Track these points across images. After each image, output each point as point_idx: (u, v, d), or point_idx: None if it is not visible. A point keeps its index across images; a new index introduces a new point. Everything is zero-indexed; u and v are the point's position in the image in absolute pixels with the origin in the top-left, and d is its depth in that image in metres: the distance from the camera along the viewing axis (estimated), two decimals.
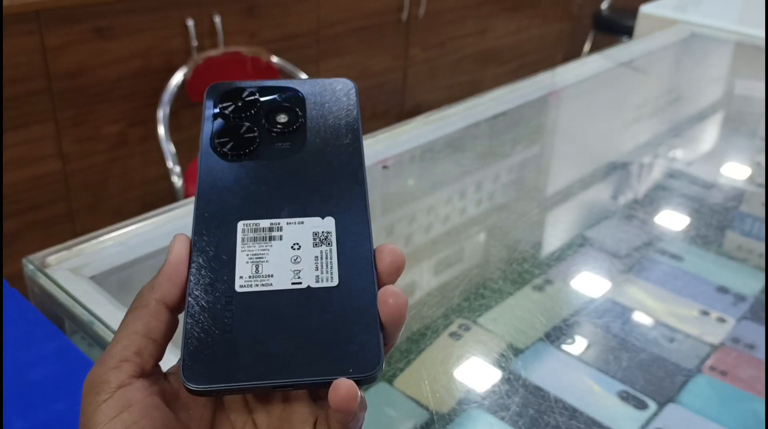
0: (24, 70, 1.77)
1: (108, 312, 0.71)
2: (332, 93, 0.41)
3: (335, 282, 0.34)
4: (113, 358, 0.32)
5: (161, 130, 1.94)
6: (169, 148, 1.94)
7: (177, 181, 1.91)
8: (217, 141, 0.38)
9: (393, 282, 0.35)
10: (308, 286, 0.34)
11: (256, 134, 0.39)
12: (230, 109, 0.40)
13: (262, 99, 0.40)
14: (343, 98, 0.41)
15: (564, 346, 0.83)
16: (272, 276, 0.34)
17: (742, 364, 0.83)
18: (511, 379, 0.77)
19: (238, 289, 0.34)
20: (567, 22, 3.36)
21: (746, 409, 0.78)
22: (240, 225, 0.35)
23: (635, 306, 0.91)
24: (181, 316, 0.34)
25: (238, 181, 0.37)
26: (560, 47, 3.39)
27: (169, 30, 2.00)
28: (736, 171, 1.33)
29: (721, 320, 0.90)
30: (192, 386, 0.31)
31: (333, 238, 0.35)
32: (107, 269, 0.80)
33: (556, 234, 1.12)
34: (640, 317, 0.90)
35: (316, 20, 2.35)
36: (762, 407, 0.77)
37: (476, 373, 0.79)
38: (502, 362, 0.80)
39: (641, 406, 0.76)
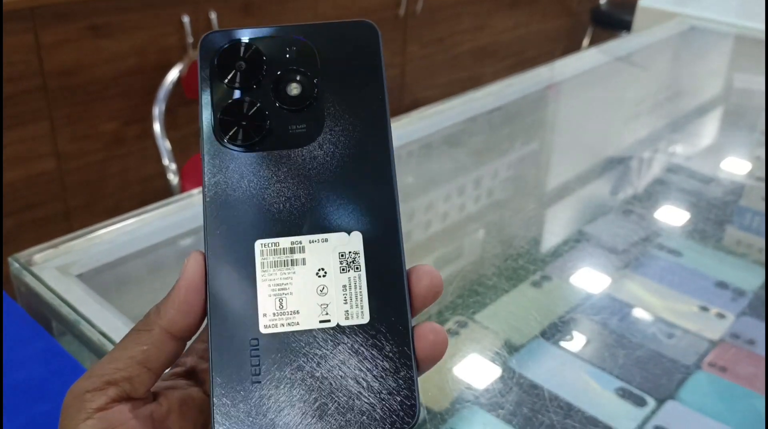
0: (19, 69, 1.76)
1: (95, 311, 0.70)
2: (351, 46, 0.34)
3: (366, 318, 0.31)
4: (100, 377, 0.31)
5: (157, 127, 1.93)
6: (165, 146, 1.93)
7: (173, 178, 1.90)
8: (220, 127, 0.33)
9: (427, 306, 0.32)
10: (337, 324, 0.31)
11: (266, 115, 0.33)
12: (231, 76, 0.33)
13: (268, 59, 0.34)
14: (366, 53, 0.34)
15: (562, 343, 0.82)
16: (298, 312, 0.31)
17: (741, 360, 0.82)
18: (508, 376, 0.76)
19: (262, 330, 0.31)
20: (565, 18, 3.35)
21: (746, 405, 0.77)
22: (258, 246, 0.32)
23: (634, 302, 0.90)
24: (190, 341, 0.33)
25: (250, 184, 0.32)
26: (559, 43, 3.38)
27: (164, 27, 1.99)
28: (736, 165, 1.32)
29: (721, 316, 0.89)
30: None
31: (361, 261, 0.32)
32: (95, 267, 0.79)
33: (553, 230, 1.11)
34: (638, 313, 0.89)
35: (313, 17, 2.34)
36: (762, 403, 0.76)
37: (473, 370, 0.78)
38: (498, 359, 0.79)
39: (640, 402, 0.75)
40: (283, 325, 0.31)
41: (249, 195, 0.32)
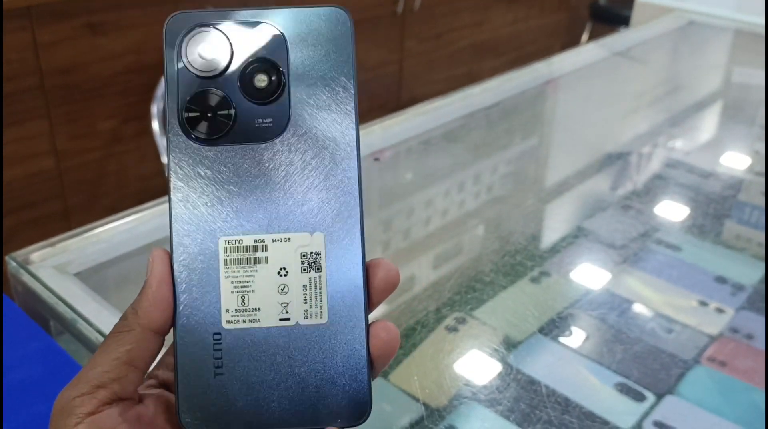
0: (16, 67, 1.76)
1: (92, 310, 0.69)
2: (321, 33, 0.33)
3: (324, 318, 0.32)
4: (89, 382, 0.31)
5: (155, 125, 1.92)
6: (163, 144, 1.92)
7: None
8: (185, 119, 0.32)
9: (384, 298, 0.33)
10: (297, 322, 0.32)
11: (232, 109, 0.32)
12: (196, 63, 0.32)
13: (235, 45, 0.33)
14: (337, 44, 0.33)
15: (561, 339, 0.82)
16: (259, 309, 0.32)
17: (741, 354, 0.82)
18: (506, 372, 0.76)
19: (225, 325, 0.32)
20: (564, 13, 3.35)
21: (746, 399, 0.77)
22: (221, 242, 0.32)
23: (633, 297, 0.90)
24: (168, 338, 0.34)
25: (214, 178, 0.32)
26: (558, 38, 3.37)
27: (162, 25, 1.98)
28: (735, 160, 1.32)
29: (720, 310, 0.89)
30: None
31: (322, 262, 0.32)
32: (92, 266, 0.79)
33: (552, 225, 1.11)
34: (637, 308, 0.89)
35: None
36: (761, 397, 0.76)
37: (472, 366, 0.78)
38: (497, 355, 0.79)
39: (639, 397, 0.75)
40: (244, 321, 0.32)
41: (213, 190, 0.33)
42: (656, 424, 0.72)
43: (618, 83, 1.65)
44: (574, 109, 1.55)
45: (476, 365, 0.78)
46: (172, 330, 0.33)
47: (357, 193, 0.33)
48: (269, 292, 0.32)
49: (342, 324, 0.32)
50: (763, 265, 0.99)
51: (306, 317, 0.32)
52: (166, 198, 0.91)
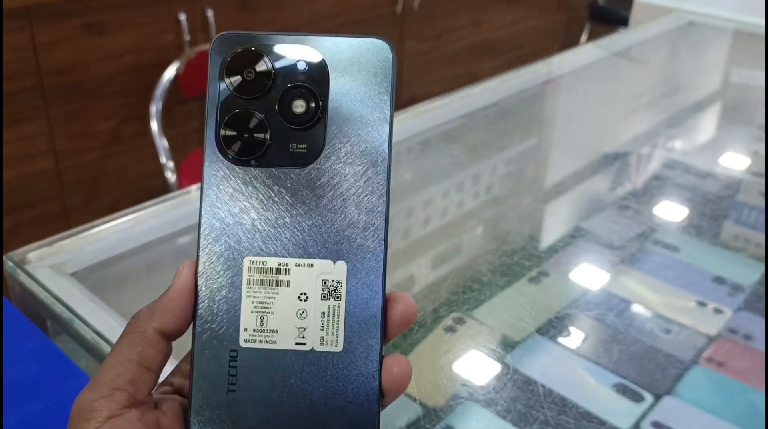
0: (15, 67, 1.76)
1: (88, 310, 0.69)
2: (363, 64, 0.33)
3: (340, 347, 0.33)
4: (106, 385, 0.31)
5: (154, 125, 1.92)
6: (162, 144, 1.92)
7: (171, 176, 1.90)
8: (222, 137, 0.33)
9: (400, 333, 0.34)
10: (312, 348, 0.33)
11: (269, 130, 0.33)
12: (238, 84, 0.33)
13: (278, 70, 0.33)
14: (377, 77, 0.33)
15: (559, 339, 0.82)
16: (276, 332, 0.33)
17: (739, 355, 0.82)
18: (504, 373, 0.76)
19: (242, 343, 0.33)
20: (563, 13, 3.35)
21: (744, 400, 0.77)
22: (246, 262, 0.33)
23: (631, 297, 0.90)
24: (176, 343, 0.34)
25: (246, 197, 0.33)
26: (557, 38, 3.37)
27: (161, 25, 1.99)
28: (733, 160, 1.32)
29: (718, 311, 0.89)
30: None
31: (343, 291, 0.33)
32: (89, 265, 0.78)
33: (550, 225, 1.11)
34: (635, 309, 0.89)
35: (310, 13, 2.33)
36: (760, 398, 0.76)
37: (469, 366, 0.78)
38: (495, 356, 0.79)
39: (637, 398, 0.75)
40: (261, 341, 0.33)
41: (243, 209, 0.33)
42: (654, 424, 0.72)
43: (617, 83, 1.65)
44: (572, 109, 1.55)
45: (474, 365, 0.78)
46: (191, 341, 0.33)
47: (383, 226, 0.33)
48: (288, 316, 0.33)
49: (356, 354, 0.33)
50: (761, 265, 0.99)
51: (321, 344, 0.33)
52: (163, 197, 0.91)
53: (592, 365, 0.79)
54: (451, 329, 0.82)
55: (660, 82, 1.72)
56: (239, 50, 0.33)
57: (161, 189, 2.00)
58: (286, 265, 0.33)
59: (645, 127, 1.46)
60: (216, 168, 0.33)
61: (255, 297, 0.33)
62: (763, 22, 1.80)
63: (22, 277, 0.75)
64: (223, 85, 0.33)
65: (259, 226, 0.33)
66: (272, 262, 0.33)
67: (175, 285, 0.33)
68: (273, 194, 0.33)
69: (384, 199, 0.33)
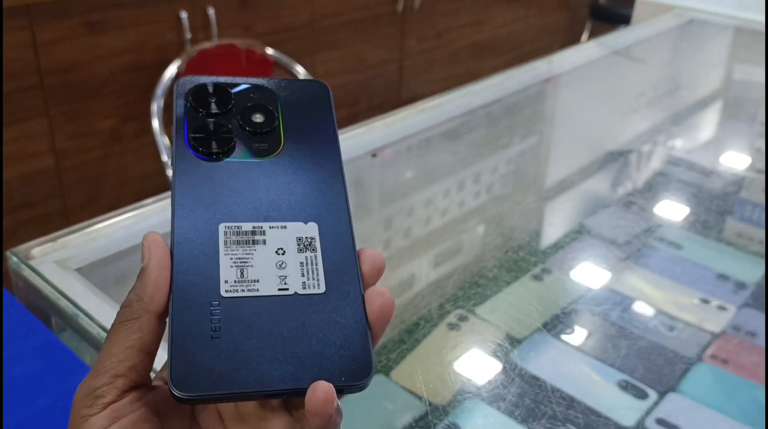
0: (15, 66, 1.75)
1: (94, 305, 0.69)
2: (307, 94, 0.40)
3: (322, 289, 0.34)
4: (107, 372, 0.32)
5: (155, 123, 1.92)
6: (163, 142, 1.92)
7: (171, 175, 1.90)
8: (193, 138, 0.37)
9: (374, 283, 0.35)
10: (295, 292, 0.34)
11: (233, 134, 0.38)
12: (203, 106, 0.38)
13: (235, 96, 0.39)
14: (319, 100, 0.40)
15: (563, 336, 0.82)
16: (258, 281, 0.33)
17: (743, 351, 0.82)
18: (509, 369, 0.76)
19: (223, 294, 0.33)
20: (564, 12, 3.35)
21: (748, 396, 0.77)
22: (222, 227, 0.35)
23: (635, 294, 0.90)
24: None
25: (217, 182, 0.36)
26: (557, 37, 3.37)
27: (162, 23, 1.99)
28: (736, 157, 1.32)
29: (722, 308, 0.88)
30: (180, 394, 0.31)
31: (317, 245, 0.35)
32: (93, 261, 0.78)
33: (554, 222, 1.11)
34: (639, 306, 0.88)
35: (311, 12, 2.33)
36: (763, 394, 0.76)
37: (474, 364, 0.78)
38: (500, 353, 0.79)
39: (641, 395, 0.75)
40: (243, 291, 0.33)
41: (216, 190, 0.36)
42: (659, 421, 0.72)
43: (618, 81, 1.65)
44: (575, 106, 1.55)
45: (479, 362, 0.78)
46: (169, 304, 0.33)
47: (343, 192, 0.37)
48: (268, 267, 0.34)
49: (339, 292, 0.34)
50: (764, 262, 0.99)
51: (304, 288, 0.34)
52: (167, 194, 0.91)
53: (597, 362, 0.79)
54: (456, 326, 0.82)
55: (662, 79, 1.72)
56: (200, 84, 0.39)
57: (162, 188, 2.00)
58: (261, 227, 0.35)
59: (647, 124, 1.46)
60: (187, 164, 0.36)
61: (233, 254, 0.34)
62: (763, 19, 1.80)
63: (27, 273, 0.74)
64: (189, 109, 0.38)
65: (232, 201, 0.35)
66: (247, 226, 0.35)
67: (151, 262, 0.33)
68: (241, 178, 0.36)
69: (340, 173, 0.38)
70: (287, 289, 0.33)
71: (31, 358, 0.65)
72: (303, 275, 0.34)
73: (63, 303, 0.70)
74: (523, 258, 0.95)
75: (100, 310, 0.68)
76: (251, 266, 0.34)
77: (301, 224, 0.35)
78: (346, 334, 0.33)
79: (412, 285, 0.92)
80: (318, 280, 0.34)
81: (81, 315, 0.69)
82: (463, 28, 2.89)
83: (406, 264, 0.96)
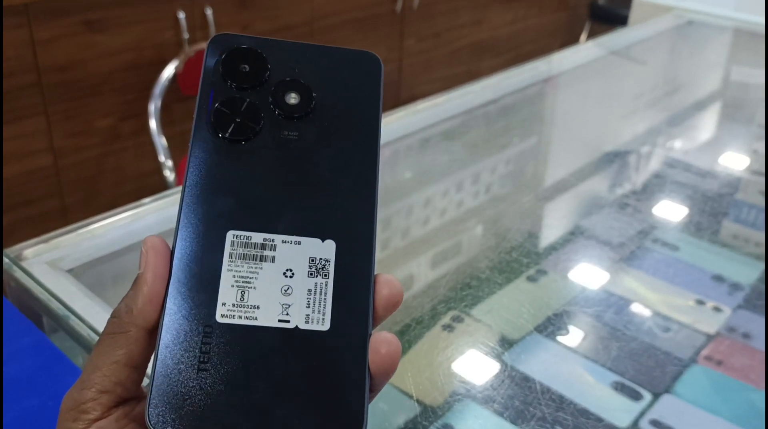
0: (13, 64, 1.75)
1: (84, 306, 0.69)
2: (355, 70, 0.35)
3: (326, 326, 0.31)
4: (93, 387, 0.30)
5: (153, 123, 1.92)
6: (161, 142, 1.92)
7: (169, 175, 1.90)
8: (215, 115, 0.33)
9: (386, 317, 0.32)
10: (296, 326, 0.30)
11: (261, 116, 0.33)
12: (234, 76, 0.34)
13: (273, 67, 0.34)
14: (366, 79, 0.35)
15: (558, 337, 0.82)
16: (258, 307, 0.30)
17: (738, 353, 0.82)
18: (504, 371, 0.76)
19: (218, 318, 0.30)
20: (563, 12, 3.34)
21: (742, 399, 0.77)
22: (230, 236, 0.31)
23: (630, 296, 0.90)
24: None
25: (234, 175, 0.32)
26: (557, 38, 3.37)
27: (160, 22, 1.98)
28: (732, 159, 1.31)
29: (717, 309, 0.88)
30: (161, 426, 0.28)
31: (331, 269, 0.31)
32: (86, 262, 0.78)
33: (549, 223, 1.10)
34: (634, 307, 0.88)
35: (310, 11, 2.33)
36: (758, 397, 0.76)
37: (469, 365, 0.77)
38: (494, 354, 0.79)
39: (636, 396, 0.74)
40: (240, 317, 0.30)
41: (230, 187, 0.32)
42: (653, 423, 0.72)
43: (617, 82, 1.65)
44: (572, 107, 1.54)
45: (472, 363, 0.78)
46: (160, 319, 0.30)
47: (372, 209, 0.33)
48: (272, 292, 0.31)
49: (344, 333, 0.30)
50: (760, 264, 0.99)
51: (307, 321, 0.31)
52: (160, 194, 0.91)
53: (591, 363, 0.79)
54: (449, 327, 0.82)
55: (660, 80, 1.72)
56: (237, 46, 0.34)
57: (160, 187, 2.00)
58: (272, 241, 0.31)
59: (645, 125, 1.45)
60: (204, 146, 0.32)
61: (237, 271, 0.31)
62: (762, 20, 1.80)
63: (18, 274, 0.74)
64: (217, 78, 0.34)
65: (246, 203, 0.32)
66: (257, 237, 0.31)
67: (146, 272, 0.31)
68: (262, 172, 0.32)
69: (374, 182, 0.33)
70: (288, 322, 0.30)
71: (23, 359, 0.65)
72: (308, 306, 0.31)
73: (54, 304, 0.70)
74: (518, 259, 0.95)
75: (91, 312, 0.68)
76: (254, 288, 0.31)
77: (317, 241, 0.32)
78: (342, 384, 0.30)
79: (407, 285, 0.92)
80: (324, 315, 0.31)
81: (72, 316, 0.68)
82: (462, 28, 2.89)
83: (401, 264, 0.96)
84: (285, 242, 0.32)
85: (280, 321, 0.30)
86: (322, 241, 0.32)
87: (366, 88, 0.35)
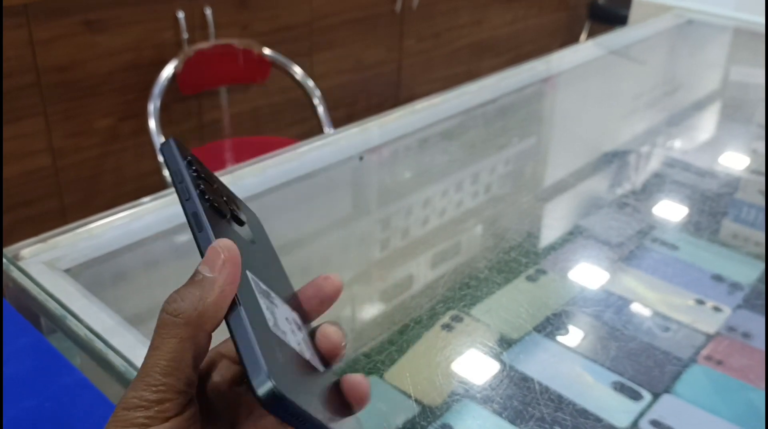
0: (12, 65, 1.75)
1: (81, 306, 0.69)
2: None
3: (321, 369, 0.34)
4: (160, 389, 0.30)
5: (152, 123, 1.92)
6: (160, 142, 1.92)
7: (168, 175, 1.89)
8: (206, 196, 0.36)
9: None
10: (308, 360, 0.34)
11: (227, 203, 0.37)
12: (200, 174, 0.37)
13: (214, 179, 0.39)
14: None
15: (558, 337, 0.82)
16: (285, 333, 0.33)
17: (737, 353, 0.82)
18: (503, 370, 0.76)
19: (272, 328, 0.32)
20: (563, 12, 3.34)
21: (742, 398, 0.76)
22: (249, 274, 0.33)
23: (629, 295, 0.90)
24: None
25: (236, 236, 0.35)
26: (556, 38, 3.37)
27: (159, 22, 1.98)
28: (732, 158, 1.31)
29: (717, 309, 0.88)
30: (281, 392, 0.28)
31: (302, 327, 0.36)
32: (83, 262, 0.78)
33: (548, 223, 1.10)
34: (634, 307, 0.88)
35: (309, 12, 2.33)
36: (758, 396, 0.76)
37: (468, 365, 0.77)
38: (493, 354, 0.78)
39: (636, 396, 0.74)
40: (280, 334, 0.33)
41: (239, 244, 0.34)
42: (653, 422, 0.71)
43: (616, 82, 1.65)
44: (571, 107, 1.54)
45: (471, 363, 0.77)
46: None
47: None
48: (287, 325, 0.34)
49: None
50: (760, 263, 0.99)
51: (311, 358, 0.34)
52: (157, 194, 0.90)
53: (590, 363, 0.78)
54: (448, 327, 0.82)
55: (659, 80, 1.71)
56: (186, 155, 0.37)
57: (159, 187, 1.99)
58: (270, 293, 0.35)
59: (644, 125, 1.45)
60: (210, 213, 0.35)
61: (264, 301, 0.33)
62: (762, 20, 1.80)
63: (15, 274, 0.74)
64: (192, 172, 0.36)
65: (251, 257, 0.35)
66: (263, 285, 0.35)
67: (223, 280, 0.31)
68: (246, 246, 0.36)
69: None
70: (304, 354, 0.33)
71: (20, 359, 0.65)
72: (307, 351, 0.34)
73: (51, 304, 0.70)
74: (516, 258, 0.95)
75: (89, 312, 0.68)
76: (277, 317, 0.33)
77: (288, 306, 0.36)
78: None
79: (405, 285, 0.92)
80: (317, 360, 0.34)
81: (69, 316, 0.68)
82: (461, 28, 2.89)
83: (400, 264, 0.96)
84: (274, 298, 0.36)
85: (297, 344, 0.34)
86: (291, 309, 0.37)
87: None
